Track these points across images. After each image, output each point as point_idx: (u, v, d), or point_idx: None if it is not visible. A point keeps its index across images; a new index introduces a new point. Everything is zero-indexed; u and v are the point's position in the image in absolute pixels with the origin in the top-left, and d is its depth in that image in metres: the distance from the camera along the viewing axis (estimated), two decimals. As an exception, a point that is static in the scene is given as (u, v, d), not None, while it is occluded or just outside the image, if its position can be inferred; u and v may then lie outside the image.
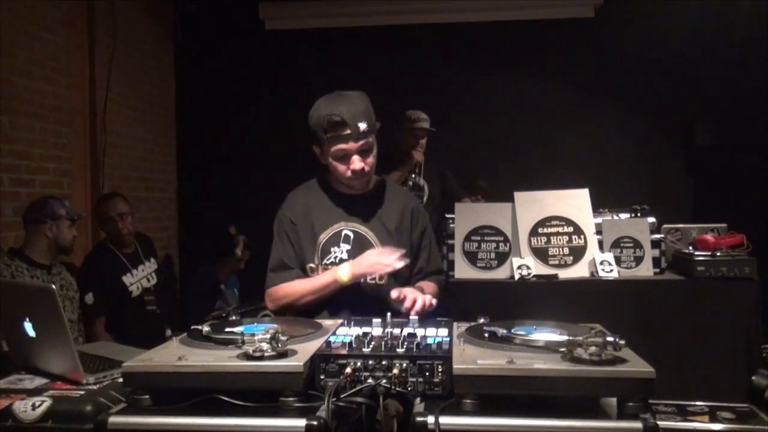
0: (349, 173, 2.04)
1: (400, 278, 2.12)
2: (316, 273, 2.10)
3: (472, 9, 5.24)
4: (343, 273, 1.99)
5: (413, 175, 4.18)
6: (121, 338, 3.27)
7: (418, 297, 1.89)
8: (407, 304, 1.85)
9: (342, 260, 2.07)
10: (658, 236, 3.21)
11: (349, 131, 1.97)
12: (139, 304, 3.57)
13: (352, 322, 1.70)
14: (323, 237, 2.10)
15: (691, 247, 3.16)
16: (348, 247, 2.08)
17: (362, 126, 1.97)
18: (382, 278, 2.08)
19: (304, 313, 2.06)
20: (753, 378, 1.75)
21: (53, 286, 1.69)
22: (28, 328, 1.75)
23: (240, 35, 5.36)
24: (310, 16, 5.35)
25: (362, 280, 2.06)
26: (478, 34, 5.19)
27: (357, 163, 2.02)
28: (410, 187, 4.15)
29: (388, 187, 2.23)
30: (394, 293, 1.90)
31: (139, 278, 3.63)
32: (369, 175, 2.10)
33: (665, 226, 3.36)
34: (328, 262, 2.08)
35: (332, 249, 2.09)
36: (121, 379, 1.48)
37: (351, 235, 2.10)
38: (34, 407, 1.50)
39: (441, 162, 4.24)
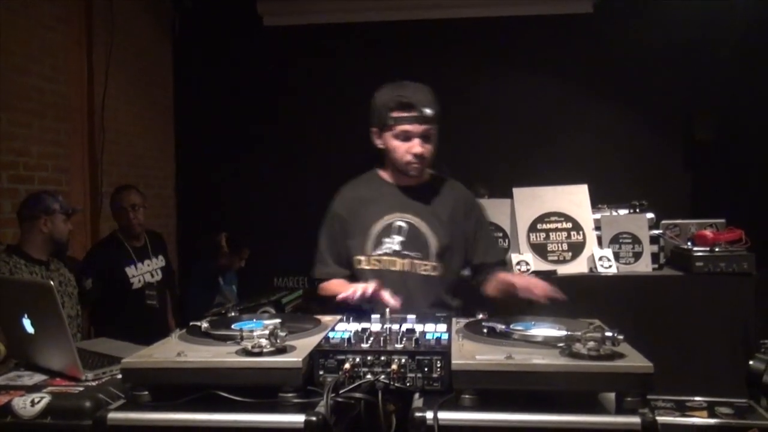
0: (409, 156, 2.04)
1: (455, 270, 2.14)
2: (364, 265, 2.10)
3: (470, 5, 5.23)
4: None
5: None
6: (118, 329, 3.29)
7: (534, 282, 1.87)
8: (538, 292, 1.82)
9: (395, 251, 2.07)
10: (656, 232, 3.22)
11: (416, 113, 2.00)
12: (139, 297, 3.57)
13: (351, 318, 1.70)
14: (376, 228, 2.10)
15: (689, 243, 3.17)
16: (401, 238, 2.08)
17: (428, 111, 2.00)
18: (436, 269, 2.08)
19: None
20: (750, 363, 1.76)
21: (52, 283, 1.69)
22: (27, 324, 1.74)
23: (238, 32, 5.35)
24: (308, 12, 5.35)
25: (414, 270, 2.06)
26: (477, 30, 5.19)
27: (418, 146, 2.03)
28: None
29: (442, 179, 2.22)
30: (489, 287, 1.92)
31: (143, 272, 3.63)
32: (426, 163, 2.09)
33: (664, 221, 3.36)
34: (380, 253, 2.09)
35: (385, 240, 2.09)
36: (119, 376, 1.47)
37: (404, 226, 2.09)
38: (33, 403, 1.50)
39: (438, 159, 4.23)
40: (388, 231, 2.09)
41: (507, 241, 3.19)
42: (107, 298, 3.49)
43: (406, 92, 2.02)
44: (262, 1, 5.30)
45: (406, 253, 2.07)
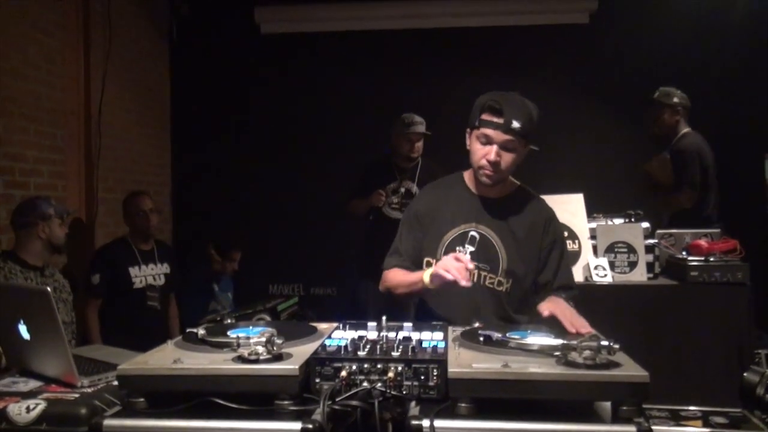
0: (483, 161, 2.03)
1: (523, 288, 2.11)
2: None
3: (467, 14, 5.25)
4: (426, 274, 1.99)
5: (407, 182, 4.20)
6: (119, 326, 3.60)
7: (567, 315, 1.79)
8: (571, 330, 1.70)
9: None
10: (651, 241, 3.23)
11: (501, 120, 1.98)
12: (140, 297, 3.75)
13: (348, 326, 1.70)
14: (450, 235, 2.12)
15: (684, 252, 3.18)
16: (472, 248, 2.09)
17: (515, 123, 1.97)
18: (502, 284, 2.08)
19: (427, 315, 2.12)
20: (744, 375, 1.76)
21: (48, 289, 1.68)
22: (23, 330, 1.74)
23: (235, 38, 5.36)
24: (306, 20, 5.36)
25: (481, 282, 2.07)
26: (474, 39, 5.21)
27: (493, 154, 2.00)
28: (403, 195, 4.17)
29: (525, 195, 2.20)
30: (545, 312, 1.84)
31: (146, 274, 3.81)
32: (500, 175, 2.06)
33: (659, 231, 3.38)
34: None
35: (457, 248, 2.09)
36: (115, 382, 1.47)
37: (477, 237, 2.10)
38: (28, 410, 1.50)
39: (435, 165, 4.26)
40: (461, 239, 2.10)
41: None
42: (110, 295, 3.69)
43: (502, 99, 2.00)
44: (259, 9, 5.31)
45: (474, 263, 2.05)
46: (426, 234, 2.17)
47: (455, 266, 1.86)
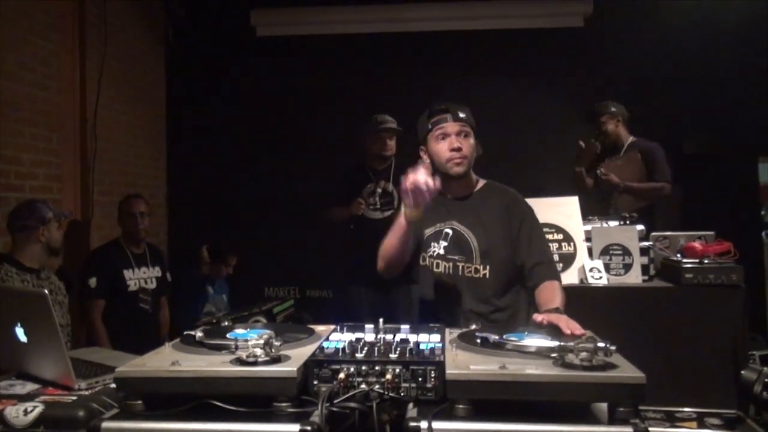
0: (448, 153, 2.20)
1: (502, 270, 2.23)
2: (423, 262, 2.31)
3: (463, 18, 5.27)
4: (402, 213, 2.10)
5: (382, 182, 4.21)
6: (112, 328, 3.63)
7: (562, 320, 1.76)
8: (567, 331, 1.69)
9: (439, 254, 2.28)
10: (646, 243, 3.25)
11: (449, 114, 2.21)
12: (133, 299, 3.79)
13: (345, 328, 1.70)
14: (426, 233, 2.30)
15: (679, 255, 3.20)
16: (445, 243, 2.28)
17: (461, 114, 2.22)
18: (478, 271, 2.22)
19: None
20: (742, 372, 1.78)
21: (46, 291, 1.69)
22: (20, 333, 1.74)
23: (231, 41, 5.37)
24: (302, 23, 5.37)
25: (459, 273, 2.23)
26: (469, 43, 5.23)
27: (455, 142, 2.20)
28: (380, 195, 4.19)
29: (490, 187, 2.36)
30: (538, 318, 1.84)
31: (139, 277, 3.85)
32: (468, 160, 2.24)
33: (654, 233, 3.39)
34: (428, 255, 2.30)
35: (432, 243, 2.29)
36: (113, 385, 1.48)
37: (450, 232, 2.28)
38: (26, 413, 1.49)
39: (409, 162, 4.26)
40: (436, 236, 2.29)
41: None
42: (108, 296, 3.71)
43: (440, 102, 2.24)
44: (255, 12, 5.31)
45: (450, 256, 2.26)
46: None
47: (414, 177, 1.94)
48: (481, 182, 2.37)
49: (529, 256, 2.24)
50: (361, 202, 4.16)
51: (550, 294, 2.13)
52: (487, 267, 2.23)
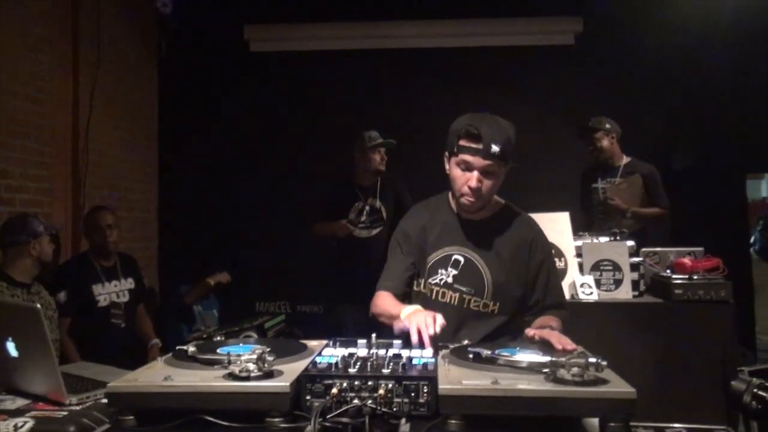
0: (465, 188, 2.01)
1: (511, 308, 2.08)
2: (418, 288, 2.13)
3: (454, 35, 5.32)
4: (405, 313, 1.89)
5: (370, 199, 4.21)
6: (83, 347, 3.46)
7: (554, 336, 1.72)
8: (558, 347, 1.66)
9: (446, 283, 2.08)
10: (637, 259, 3.27)
11: (480, 146, 1.95)
12: (104, 316, 3.66)
13: (338, 343, 1.71)
14: (433, 257, 2.11)
15: (668, 271, 3.22)
16: (455, 271, 2.08)
17: (495, 148, 1.94)
18: (488, 306, 2.06)
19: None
20: (732, 383, 1.79)
21: (38, 306, 1.68)
22: (11, 347, 1.73)
23: (224, 57, 5.39)
24: (295, 39, 5.40)
25: (465, 305, 2.06)
26: (461, 60, 5.28)
27: (474, 181, 1.98)
28: (368, 213, 4.18)
29: (510, 214, 2.18)
30: (529, 332, 1.79)
31: (110, 291, 3.71)
32: (483, 200, 2.04)
33: (644, 249, 3.42)
34: (433, 282, 2.10)
35: (440, 270, 2.09)
36: (104, 400, 1.46)
37: (461, 260, 2.08)
38: (16, 428, 1.48)
39: (395, 175, 4.30)
40: (444, 262, 2.09)
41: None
42: (74, 314, 3.56)
43: (479, 123, 1.97)
44: (248, 27, 5.34)
45: (457, 287, 2.07)
46: (413, 250, 2.15)
47: (423, 326, 1.73)
48: (500, 203, 2.18)
49: (544, 297, 2.11)
50: (347, 226, 4.14)
51: (547, 319, 2.05)
52: (497, 303, 2.06)
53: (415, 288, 2.15)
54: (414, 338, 1.73)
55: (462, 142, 1.98)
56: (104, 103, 4.55)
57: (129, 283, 3.82)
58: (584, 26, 5.19)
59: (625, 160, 4.26)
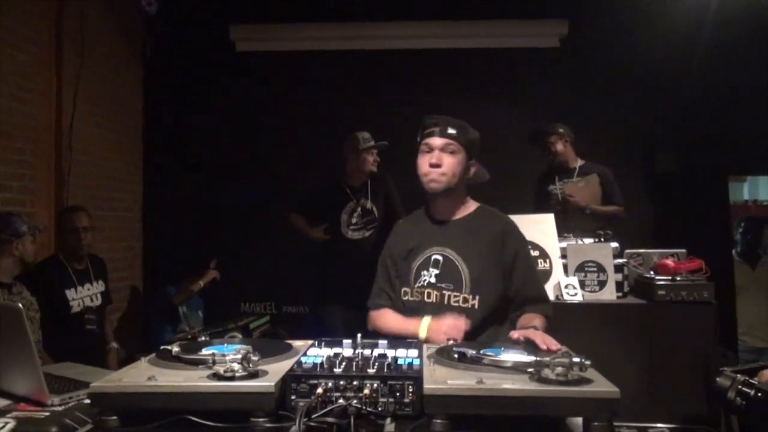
0: (426, 167, 2.14)
1: (491, 302, 2.14)
2: (409, 296, 2.21)
3: (440, 36, 5.33)
4: (422, 332, 2.06)
5: (362, 200, 4.21)
6: (57, 353, 3.21)
7: (538, 336, 1.76)
8: (542, 347, 1.68)
9: (430, 283, 2.17)
10: (621, 261, 3.29)
11: (438, 128, 2.14)
12: (78, 321, 3.58)
13: (323, 343, 1.70)
14: (417, 262, 2.21)
15: (652, 272, 3.25)
16: (437, 271, 2.17)
17: (451, 130, 2.14)
18: (468, 300, 2.13)
19: None
20: (717, 379, 1.81)
21: (20, 306, 1.66)
22: (-8, 348, 1.71)
23: (210, 56, 5.36)
24: (281, 39, 5.39)
25: (445, 302, 2.14)
26: (447, 61, 5.29)
27: (435, 158, 2.13)
28: (360, 214, 4.18)
29: (484, 212, 2.27)
30: (514, 335, 1.82)
31: (83, 296, 3.65)
32: (445, 178, 2.15)
33: (627, 251, 3.44)
34: (419, 285, 2.19)
35: (423, 273, 2.19)
36: (87, 400, 1.46)
37: (440, 259, 2.18)
38: (-3, 429, 1.47)
39: (385, 176, 4.31)
40: (426, 264, 2.19)
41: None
42: (47, 321, 3.39)
43: (438, 116, 2.18)
44: (234, 27, 5.32)
45: (440, 285, 2.16)
46: (397, 267, 2.26)
47: (452, 331, 1.98)
48: (475, 205, 2.28)
49: (522, 289, 2.17)
50: (325, 236, 4.23)
51: (531, 318, 2.09)
52: (477, 297, 2.13)
53: (404, 297, 2.22)
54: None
55: (424, 131, 2.19)
56: (88, 102, 4.51)
57: (100, 286, 3.77)
58: (569, 29, 5.21)
59: (580, 162, 4.33)
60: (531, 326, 1.95)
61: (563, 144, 4.31)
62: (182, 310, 4.60)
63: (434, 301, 2.15)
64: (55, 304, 3.47)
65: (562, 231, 3.59)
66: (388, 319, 2.23)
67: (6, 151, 3.74)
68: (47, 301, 3.40)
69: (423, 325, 2.07)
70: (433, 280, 2.16)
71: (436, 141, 2.14)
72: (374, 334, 2.21)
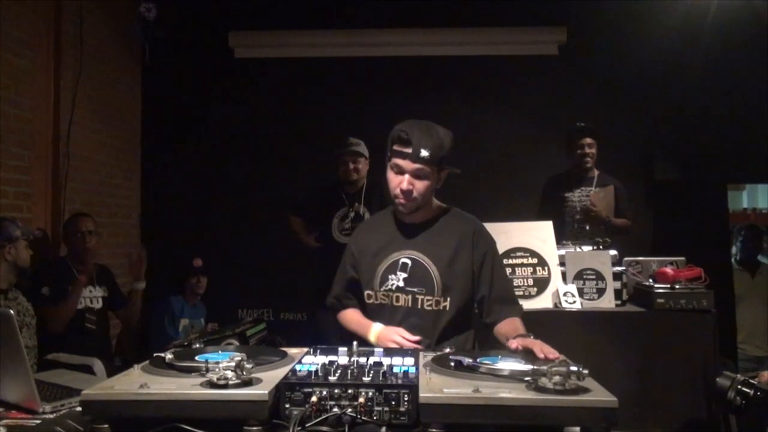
0: (397, 190, 2.09)
1: (461, 304, 2.15)
2: (373, 300, 2.20)
3: (439, 44, 5.33)
4: (372, 335, 2.11)
5: (356, 204, 4.20)
6: (55, 348, 3.39)
7: (536, 345, 1.74)
8: (540, 355, 1.67)
9: (398, 287, 2.15)
10: (619, 268, 3.28)
11: (410, 150, 2.03)
12: (79, 318, 3.69)
13: (318, 351, 1.69)
14: (383, 265, 2.17)
15: (651, 280, 3.23)
16: (405, 275, 2.14)
17: (424, 152, 2.02)
18: (439, 303, 2.13)
19: None
20: (717, 380, 1.81)
21: (11, 311, 1.64)
22: (-17, 354, 1.69)
23: (209, 63, 5.36)
24: (280, 46, 5.38)
25: (418, 306, 2.14)
26: (445, 69, 5.29)
27: (406, 183, 2.06)
28: (353, 219, 4.17)
29: (452, 214, 2.25)
30: (512, 344, 1.79)
31: (85, 296, 3.75)
32: (416, 201, 2.11)
33: (626, 258, 3.42)
34: (385, 289, 2.16)
35: (390, 276, 2.16)
36: (78, 408, 1.44)
37: (408, 262, 2.15)
38: (-14, 437, 1.45)
39: (381, 183, 4.27)
40: (393, 268, 2.16)
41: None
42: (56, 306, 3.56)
43: (410, 128, 2.04)
44: (233, 34, 5.32)
45: (409, 289, 2.14)
46: (360, 269, 2.24)
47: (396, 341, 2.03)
48: (442, 207, 2.26)
49: (491, 290, 2.16)
50: (315, 244, 4.32)
51: (515, 324, 2.08)
52: (448, 299, 2.13)
53: (369, 300, 2.22)
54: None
55: (395, 147, 2.07)
56: (86, 107, 4.50)
57: (102, 291, 3.86)
58: (568, 36, 5.21)
59: (596, 171, 4.26)
60: (525, 334, 1.94)
61: (597, 148, 4.19)
62: (183, 322, 4.58)
63: (404, 304, 2.14)
64: (61, 298, 3.57)
65: (567, 239, 3.56)
66: (352, 317, 2.28)
67: (3, 157, 3.73)
68: (58, 289, 3.55)
69: (373, 332, 2.12)
70: (401, 284, 2.14)
71: (408, 165, 2.05)
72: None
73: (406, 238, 2.18)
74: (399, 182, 2.08)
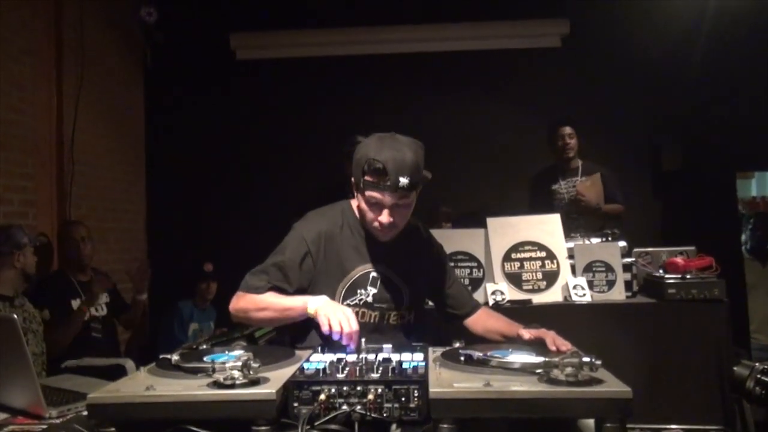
0: (376, 224, 1.91)
1: (423, 310, 2.14)
2: None
3: (440, 39, 5.31)
4: (315, 304, 1.83)
5: None
6: (64, 361, 3.28)
7: (549, 336, 1.76)
8: (552, 348, 1.67)
9: (366, 303, 2.00)
10: (629, 260, 3.24)
11: (388, 182, 1.81)
12: (85, 330, 3.60)
13: (326, 349, 1.67)
14: (350, 278, 2.00)
15: (661, 270, 3.20)
16: (374, 290, 2.00)
17: (403, 181, 1.80)
18: (404, 317, 2.06)
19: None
20: (735, 368, 1.78)
21: (15, 317, 1.63)
22: (-12, 360, 1.68)
23: (211, 65, 5.35)
24: (281, 47, 5.37)
25: (385, 321, 2.02)
26: (447, 64, 5.27)
27: (386, 217, 1.88)
28: None
29: (421, 228, 2.18)
30: (525, 335, 1.78)
31: None
32: (396, 231, 1.97)
33: (636, 249, 3.39)
34: (352, 303, 1.98)
35: (359, 291, 2.00)
36: (85, 412, 1.42)
37: (378, 277, 2.01)
38: (-7, 443, 1.44)
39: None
40: (363, 281, 2.01)
41: (482, 270, 3.19)
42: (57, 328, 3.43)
43: (383, 155, 1.82)
44: (234, 35, 5.31)
45: (377, 305, 2.01)
46: (319, 272, 2.02)
47: (345, 325, 1.73)
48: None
49: (453, 284, 2.17)
50: None
51: (496, 317, 2.10)
52: (413, 312, 2.07)
53: None
54: (336, 336, 1.73)
55: (368, 178, 1.86)
56: (89, 112, 4.50)
57: (105, 297, 3.79)
58: (571, 29, 5.18)
59: (581, 161, 4.24)
60: (534, 325, 1.92)
61: (577, 138, 4.20)
62: (194, 327, 4.56)
63: (372, 321, 2.00)
64: (63, 313, 3.47)
65: (568, 231, 3.53)
66: (266, 297, 2.00)
67: (7, 164, 3.73)
68: (56, 312, 3.42)
69: (316, 301, 1.84)
70: (370, 300, 2.00)
71: (388, 199, 1.85)
72: (235, 315, 2.08)
73: (375, 250, 2.02)
74: (377, 216, 1.90)
